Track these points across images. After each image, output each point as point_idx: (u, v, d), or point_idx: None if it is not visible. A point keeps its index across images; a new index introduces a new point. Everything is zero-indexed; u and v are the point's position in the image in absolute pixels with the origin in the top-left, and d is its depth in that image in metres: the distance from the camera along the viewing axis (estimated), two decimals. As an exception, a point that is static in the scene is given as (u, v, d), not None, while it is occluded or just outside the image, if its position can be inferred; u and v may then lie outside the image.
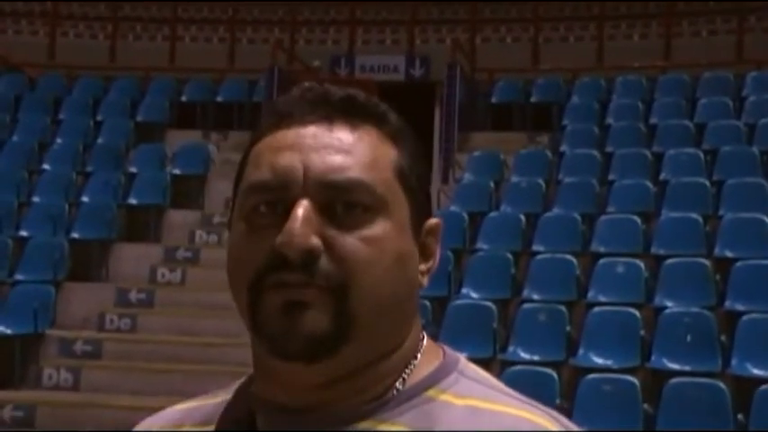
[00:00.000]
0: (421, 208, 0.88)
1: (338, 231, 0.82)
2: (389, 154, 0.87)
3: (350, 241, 0.82)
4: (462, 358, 0.90)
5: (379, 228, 0.83)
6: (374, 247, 0.82)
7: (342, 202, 0.82)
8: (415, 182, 0.88)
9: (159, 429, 0.94)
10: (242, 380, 0.93)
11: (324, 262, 0.81)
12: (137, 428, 0.96)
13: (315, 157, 0.83)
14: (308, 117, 0.86)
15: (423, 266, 0.89)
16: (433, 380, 0.86)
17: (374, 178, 0.84)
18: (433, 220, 0.90)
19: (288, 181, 0.83)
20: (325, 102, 0.87)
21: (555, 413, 0.85)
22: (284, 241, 0.80)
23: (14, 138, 10.68)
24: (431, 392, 0.85)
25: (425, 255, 0.89)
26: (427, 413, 0.83)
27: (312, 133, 0.85)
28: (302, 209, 0.81)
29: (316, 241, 0.80)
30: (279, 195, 0.83)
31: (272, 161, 0.84)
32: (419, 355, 0.88)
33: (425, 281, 0.89)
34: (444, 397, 0.84)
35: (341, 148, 0.84)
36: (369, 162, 0.85)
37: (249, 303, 0.83)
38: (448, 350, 0.90)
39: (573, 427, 0.84)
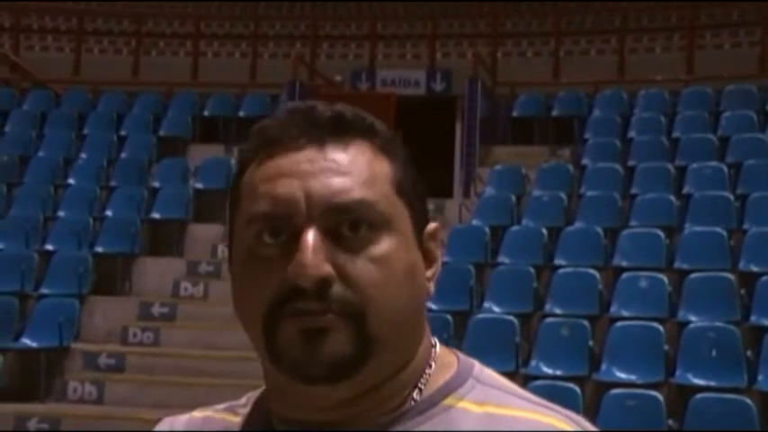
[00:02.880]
0: (420, 215, 0.88)
1: (347, 255, 0.82)
2: (384, 168, 0.87)
3: (360, 264, 0.82)
4: (477, 364, 0.90)
5: (385, 245, 0.83)
6: (384, 265, 0.82)
7: (346, 224, 0.82)
8: (411, 190, 0.88)
9: None
10: (258, 392, 0.94)
11: (337, 288, 0.81)
12: (160, 424, 0.97)
13: (314, 183, 0.83)
14: (298, 141, 0.85)
15: (428, 273, 0.89)
16: (450, 388, 0.87)
17: (375, 195, 0.84)
18: (431, 225, 0.90)
19: (290, 210, 0.82)
20: (314, 123, 0.86)
21: (573, 415, 0.85)
22: (297, 272, 0.80)
23: (40, 153, 10.80)
24: (448, 401, 0.86)
25: (428, 260, 0.89)
26: (446, 422, 0.84)
27: (307, 158, 0.84)
28: (311, 237, 0.81)
29: (328, 269, 0.81)
30: (282, 224, 0.83)
31: (271, 191, 0.84)
32: (433, 364, 0.88)
33: (431, 287, 0.89)
34: (462, 404, 0.85)
35: (338, 170, 0.84)
36: (367, 180, 0.84)
37: (264, 333, 0.82)
38: (462, 356, 0.91)
39: (591, 428, 0.85)
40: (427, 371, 0.87)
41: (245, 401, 0.95)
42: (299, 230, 0.82)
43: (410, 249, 0.86)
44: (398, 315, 0.83)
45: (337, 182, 0.83)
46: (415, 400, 0.85)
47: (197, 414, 0.97)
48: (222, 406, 0.97)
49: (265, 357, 0.84)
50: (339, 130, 0.86)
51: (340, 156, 0.85)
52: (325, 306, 0.80)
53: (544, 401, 0.86)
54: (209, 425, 0.94)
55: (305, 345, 0.80)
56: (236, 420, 0.93)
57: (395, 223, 0.85)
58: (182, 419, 0.97)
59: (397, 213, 0.85)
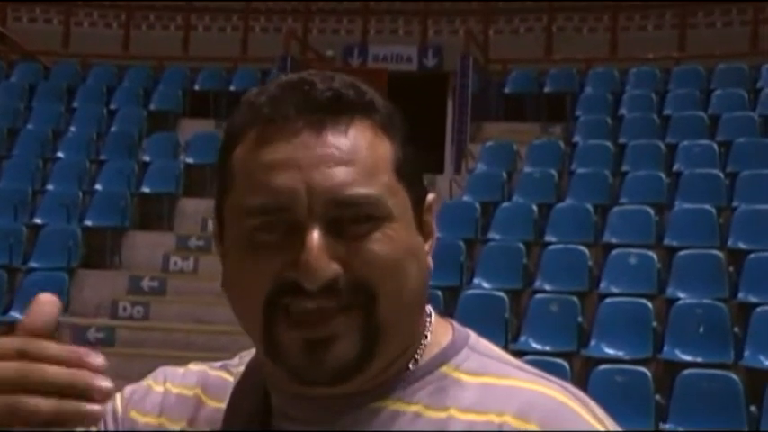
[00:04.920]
0: (418, 194, 0.86)
1: (350, 244, 0.79)
2: (386, 149, 0.83)
3: (364, 252, 0.80)
4: (472, 333, 0.89)
5: (386, 232, 0.81)
6: (387, 253, 0.80)
7: (348, 216, 0.80)
8: (410, 170, 0.85)
9: (176, 389, 0.95)
10: (250, 353, 0.93)
11: (344, 282, 0.79)
12: (154, 373, 0.97)
13: (316, 175, 0.79)
14: (295, 124, 0.80)
15: (425, 246, 0.87)
16: (445, 357, 0.86)
17: (379, 188, 0.81)
18: (430, 197, 0.88)
19: (290, 204, 0.79)
20: (311, 104, 0.81)
21: (569, 386, 0.85)
22: (303, 276, 0.77)
23: (29, 126, 10.74)
24: (444, 369, 0.85)
25: (425, 233, 0.87)
26: (442, 390, 0.83)
27: (305, 144, 0.80)
28: (315, 237, 0.78)
29: (334, 268, 0.78)
30: (281, 217, 0.80)
31: (269, 182, 0.80)
32: (429, 334, 0.87)
33: (430, 261, 0.87)
34: (457, 374, 0.84)
35: (340, 159, 0.80)
36: (370, 168, 0.81)
37: (264, 332, 0.80)
38: (457, 325, 0.90)
39: (588, 400, 0.84)
40: (423, 341, 0.87)
41: (239, 361, 0.95)
42: (299, 223, 0.79)
43: (411, 232, 0.84)
44: (404, 298, 0.82)
45: (340, 173, 0.79)
46: (410, 369, 0.85)
47: (193, 368, 0.97)
48: (218, 364, 0.96)
49: (261, 351, 0.83)
50: (338, 111, 0.82)
51: (341, 141, 0.81)
52: (333, 303, 0.78)
53: (540, 372, 0.86)
54: (205, 381, 0.94)
55: (309, 354, 0.79)
56: (231, 380, 0.93)
57: (396, 212, 0.82)
58: (178, 372, 0.96)
59: (399, 202, 0.83)
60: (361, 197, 0.80)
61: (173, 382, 0.95)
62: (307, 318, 0.78)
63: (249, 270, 0.80)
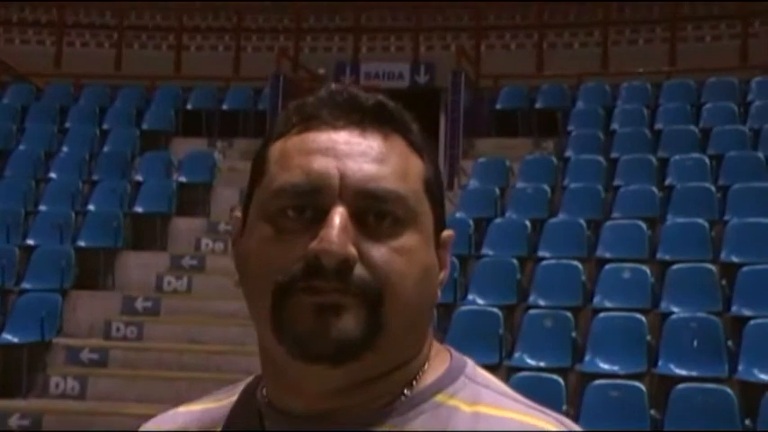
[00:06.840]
0: (440, 219, 0.88)
1: (370, 241, 0.81)
2: (417, 165, 0.87)
3: (383, 251, 0.81)
4: (470, 362, 0.89)
5: (407, 239, 0.82)
6: (405, 258, 0.82)
7: (374, 211, 0.82)
8: (437, 192, 0.88)
9: None
10: (248, 380, 0.93)
11: (358, 270, 0.80)
12: (142, 429, 0.96)
13: (351, 164, 0.82)
14: (339, 121, 0.85)
15: (438, 275, 0.88)
16: (441, 384, 0.86)
17: (407, 190, 0.84)
18: (447, 233, 0.90)
19: (322, 186, 0.81)
20: (357, 107, 0.86)
21: (562, 418, 0.84)
22: (321, 249, 0.79)
23: (21, 146, 10.72)
24: (439, 397, 0.85)
25: (439, 266, 0.88)
26: (435, 419, 0.83)
27: (345, 139, 0.84)
28: (339, 216, 0.80)
29: (352, 250, 0.80)
30: (310, 200, 0.82)
31: (305, 165, 0.82)
32: (427, 363, 0.87)
33: (439, 292, 0.88)
34: (453, 402, 0.84)
35: (375, 157, 0.83)
36: (401, 172, 0.84)
37: (273, 304, 0.80)
38: (455, 354, 0.90)
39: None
40: (425, 365, 0.87)
41: (230, 391, 0.94)
42: (327, 209, 0.81)
43: (429, 250, 0.85)
44: (411, 310, 0.83)
45: (373, 168, 0.83)
46: (405, 396, 0.84)
47: (181, 410, 0.96)
48: (207, 397, 0.96)
49: (268, 329, 0.82)
50: (380, 119, 0.86)
51: (377, 143, 0.84)
52: (344, 287, 0.79)
53: (535, 404, 0.85)
54: (194, 419, 0.93)
55: (316, 318, 0.79)
56: (222, 404, 0.93)
57: (419, 221, 0.84)
58: (164, 420, 0.96)
59: (424, 212, 0.85)
60: (389, 192, 0.82)
61: (158, 424, 0.95)
62: (318, 290, 0.79)
63: (271, 253, 0.82)
